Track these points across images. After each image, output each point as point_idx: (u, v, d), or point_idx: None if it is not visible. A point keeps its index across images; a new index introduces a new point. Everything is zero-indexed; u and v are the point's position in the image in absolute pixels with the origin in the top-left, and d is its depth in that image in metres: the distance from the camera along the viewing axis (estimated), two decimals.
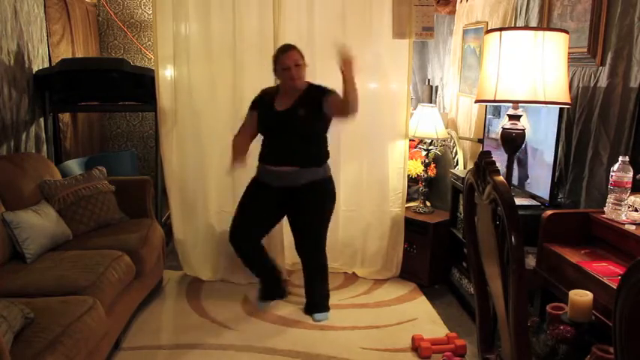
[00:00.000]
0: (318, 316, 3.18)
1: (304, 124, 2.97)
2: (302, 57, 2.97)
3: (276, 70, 3.01)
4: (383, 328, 3.08)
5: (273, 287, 3.34)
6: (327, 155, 3.10)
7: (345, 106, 2.85)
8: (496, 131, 2.93)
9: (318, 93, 3.00)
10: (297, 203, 3.06)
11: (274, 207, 3.13)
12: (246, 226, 3.15)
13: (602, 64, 2.49)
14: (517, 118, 2.48)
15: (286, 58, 2.92)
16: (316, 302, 3.23)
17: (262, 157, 3.08)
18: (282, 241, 3.70)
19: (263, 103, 3.08)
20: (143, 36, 5.42)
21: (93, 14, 5.23)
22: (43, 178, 3.16)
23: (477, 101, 2.61)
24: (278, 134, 3.02)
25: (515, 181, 2.82)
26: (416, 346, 2.80)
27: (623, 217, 2.03)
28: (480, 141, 3.48)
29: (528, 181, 2.84)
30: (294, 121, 2.95)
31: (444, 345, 2.81)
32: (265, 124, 3.05)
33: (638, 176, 2.07)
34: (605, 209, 2.11)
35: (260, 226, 3.20)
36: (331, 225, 3.78)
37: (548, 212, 2.24)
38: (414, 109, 3.94)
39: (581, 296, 1.82)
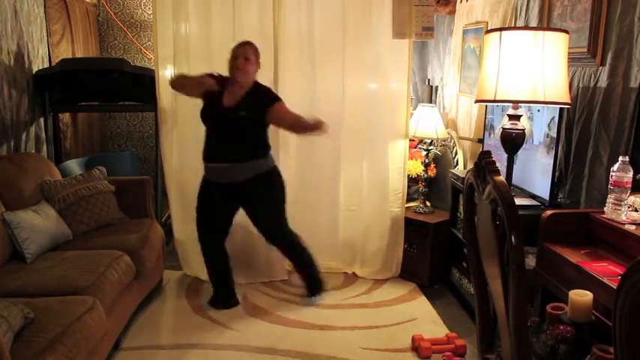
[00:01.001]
0: (314, 299, 3.37)
1: (244, 125, 3.02)
2: (256, 56, 3.04)
3: (230, 60, 3.03)
4: (383, 328, 3.08)
5: (225, 295, 3.33)
6: (268, 147, 3.16)
7: (293, 130, 3.12)
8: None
9: (264, 98, 3.05)
10: (246, 197, 3.14)
11: (222, 205, 3.18)
12: (208, 226, 3.24)
13: (602, 64, 2.49)
14: (517, 118, 2.48)
15: (238, 49, 3.00)
16: (309, 285, 3.38)
17: (203, 155, 3.10)
18: None
19: (213, 90, 3.05)
20: (143, 36, 5.42)
21: (93, 14, 5.24)
22: (43, 178, 3.16)
23: (477, 101, 2.61)
24: (219, 130, 3.05)
25: None
26: (416, 346, 2.80)
27: (623, 217, 2.03)
28: (480, 141, 3.48)
29: None
30: (234, 121, 3.01)
31: (444, 345, 2.81)
32: (207, 116, 3.07)
33: (638, 176, 2.07)
34: (605, 209, 2.11)
35: (220, 224, 3.26)
36: (331, 225, 3.81)
37: (548, 212, 2.24)
38: (414, 109, 3.94)
39: (581, 296, 1.82)
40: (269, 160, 3.16)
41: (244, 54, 2.99)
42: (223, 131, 3.04)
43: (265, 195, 3.15)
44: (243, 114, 2.99)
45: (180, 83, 3.15)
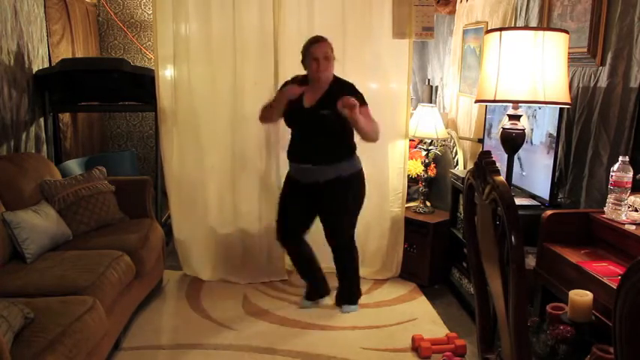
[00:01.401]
0: (346, 307, 3.27)
1: (328, 124, 2.95)
2: (332, 50, 2.95)
3: (304, 62, 2.97)
4: (383, 328, 3.08)
5: (318, 287, 3.37)
6: (353, 148, 3.09)
7: (362, 136, 3.00)
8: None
9: (345, 92, 2.91)
10: (322, 199, 3.08)
11: (305, 202, 3.13)
12: (290, 224, 3.21)
13: (602, 64, 2.49)
14: (517, 118, 2.48)
15: (316, 49, 2.88)
16: (345, 293, 3.32)
17: (290, 154, 3.12)
18: None
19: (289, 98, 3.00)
20: (143, 36, 5.42)
21: (93, 14, 5.23)
22: (43, 178, 3.16)
23: (477, 101, 2.61)
24: (304, 131, 3.03)
25: None
26: (416, 346, 2.80)
27: (623, 217, 2.03)
28: (480, 141, 3.48)
29: None
30: (318, 121, 2.96)
31: (444, 345, 2.81)
32: (291, 120, 3.06)
33: (638, 176, 2.07)
34: (605, 209, 2.11)
35: (301, 223, 3.22)
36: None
37: (548, 212, 2.24)
38: (414, 109, 3.94)
39: (581, 296, 1.82)
40: (354, 162, 3.09)
41: (324, 54, 2.89)
42: (308, 132, 3.01)
43: (340, 199, 3.07)
44: (325, 112, 2.91)
45: (266, 115, 3.13)
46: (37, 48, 3.94)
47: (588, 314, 1.80)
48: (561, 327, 1.83)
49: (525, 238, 1.35)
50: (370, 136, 3.00)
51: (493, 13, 3.49)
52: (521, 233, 1.33)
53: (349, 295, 3.31)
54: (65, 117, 4.44)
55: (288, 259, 3.80)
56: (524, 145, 2.56)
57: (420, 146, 3.87)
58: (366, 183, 3.19)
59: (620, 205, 2.05)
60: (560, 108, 2.54)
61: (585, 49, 2.58)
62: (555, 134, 2.60)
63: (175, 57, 3.55)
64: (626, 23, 2.34)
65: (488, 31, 2.48)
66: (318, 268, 3.34)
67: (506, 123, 2.51)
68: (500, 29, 2.42)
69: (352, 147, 3.09)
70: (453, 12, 4.15)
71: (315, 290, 3.36)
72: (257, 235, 3.70)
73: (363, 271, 3.83)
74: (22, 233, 2.73)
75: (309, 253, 3.28)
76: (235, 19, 3.51)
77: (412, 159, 3.87)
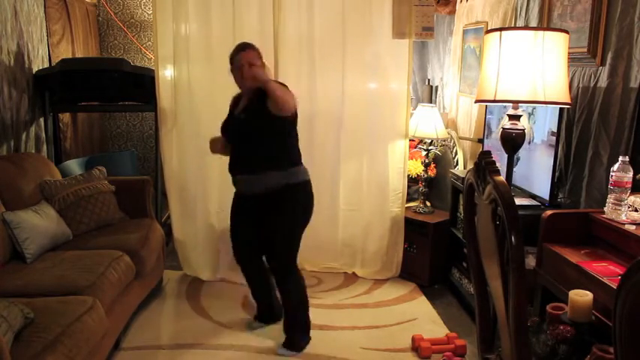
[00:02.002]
0: (284, 351, 2.85)
1: (244, 127, 2.74)
2: (260, 57, 2.75)
3: (232, 70, 2.75)
4: (383, 328, 3.08)
5: (265, 311, 3.11)
6: (289, 159, 2.78)
7: (273, 104, 2.64)
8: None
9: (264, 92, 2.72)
10: (261, 212, 2.80)
11: (247, 215, 2.90)
12: (238, 240, 2.98)
13: (602, 64, 2.49)
14: (517, 118, 2.48)
15: (241, 57, 2.72)
16: (291, 334, 2.91)
17: (228, 166, 2.89)
18: None
19: (231, 107, 2.94)
20: (143, 36, 5.42)
21: (93, 14, 5.23)
22: (43, 178, 3.16)
23: (477, 101, 2.61)
24: (233, 140, 2.84)
25: None
26: (416, 346, 2.80)
27: (623, 217, 2.03)
28: (480, 141, 3.48)
29: None
30: (237, 126, 2.78)
31: (444, 345, 2.81)
32: (225, 129, 2.87)
33: (638, 176, 2.07)
34: (605, 209, 2.11)
35: (248, 238, 2.94)
36: (331, 225, 3.81)
37: (548, 212, 2.24)
38: (414, 109, 3.94)
39: (581, 296, 1.82)
40: (289, 173, 2.75)
41: (249, 60, 2.70)
42: (235, 141, 2.82)
43: (276, 214, 2.76)
44: (242, 117, 2.76)
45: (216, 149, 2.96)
46: (37, 48, 3.95)
47: (588, 314, 1.81)
48: (561, 327, 1.83)
49: (525, 238, 1.35)
50: (280, 104, 2.61)
51: (493, 13, 3.49)
52: (521, 233, 1.33)
53: (291, 337, 2.86)
54: (65, 117, 4.44)
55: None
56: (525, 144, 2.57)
57: (420, 146, 3.87)
58: (312, 196, 2.83)
59: (620, 205, 2.05)
60: (560, 108, 2.54)
61: (585, 49, 2.58)
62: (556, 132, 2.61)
63: (175, 57, 3.55)
64: (626, 23, 2.34)
65: (488, 31, 2.48)
66: (269, 294, 3.08)
67: (506, 123, 2.51)
68: (500, 29, 2.42)
69: (284, 158, 2.76)
70: (453, 12, 4.15)
71: (262, 313, 3.10)
72: None
73: (362, 272, 3.84)
74: (22, 233, 2.73)
75: (263, 277, 3.04)
76: (235, 20, 3.51)
77: (412, 159, 3.88)
